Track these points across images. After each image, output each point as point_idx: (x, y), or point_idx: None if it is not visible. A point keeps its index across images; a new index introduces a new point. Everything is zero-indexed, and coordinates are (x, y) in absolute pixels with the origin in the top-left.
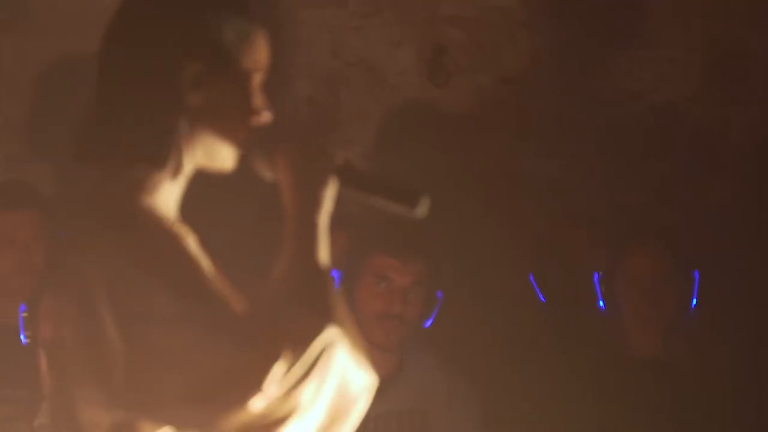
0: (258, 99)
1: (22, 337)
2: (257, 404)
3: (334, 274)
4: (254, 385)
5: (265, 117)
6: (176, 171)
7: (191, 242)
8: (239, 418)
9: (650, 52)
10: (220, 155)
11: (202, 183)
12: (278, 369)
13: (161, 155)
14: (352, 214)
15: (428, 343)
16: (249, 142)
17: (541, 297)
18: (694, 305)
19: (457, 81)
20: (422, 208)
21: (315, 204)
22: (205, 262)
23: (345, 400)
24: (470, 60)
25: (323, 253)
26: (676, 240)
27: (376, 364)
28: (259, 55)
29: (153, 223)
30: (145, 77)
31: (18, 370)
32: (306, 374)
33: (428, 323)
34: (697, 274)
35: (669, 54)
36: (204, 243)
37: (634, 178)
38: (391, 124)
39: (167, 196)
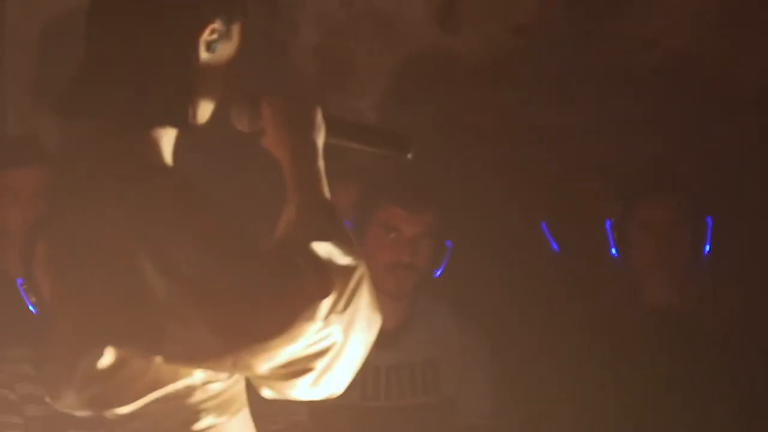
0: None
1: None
2: (304, 340)
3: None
4: (307, 319)
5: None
6: (189, 126)
7: (199, 193)
8: (283, 353)
9: None
10: (207, 110)
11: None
12: (326, 303)
13: (179, 113)
14: (360, 166)
15: (439, 294)
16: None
17: (554, 245)
18: (707, 252)
19: (468, 30)
20: (412, 153)
21: (311, 148)
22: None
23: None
24: (481, 8)
25: (328, 193)
26: (689, 187)
27: (388, 313)
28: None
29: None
30: (158, 34)
31: (25, 328)
32: (344, 308)
33: (438, 273)
34: (710, 221)
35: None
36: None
37: (647, 125)
38: (401, 74)
39: (168, 150)
